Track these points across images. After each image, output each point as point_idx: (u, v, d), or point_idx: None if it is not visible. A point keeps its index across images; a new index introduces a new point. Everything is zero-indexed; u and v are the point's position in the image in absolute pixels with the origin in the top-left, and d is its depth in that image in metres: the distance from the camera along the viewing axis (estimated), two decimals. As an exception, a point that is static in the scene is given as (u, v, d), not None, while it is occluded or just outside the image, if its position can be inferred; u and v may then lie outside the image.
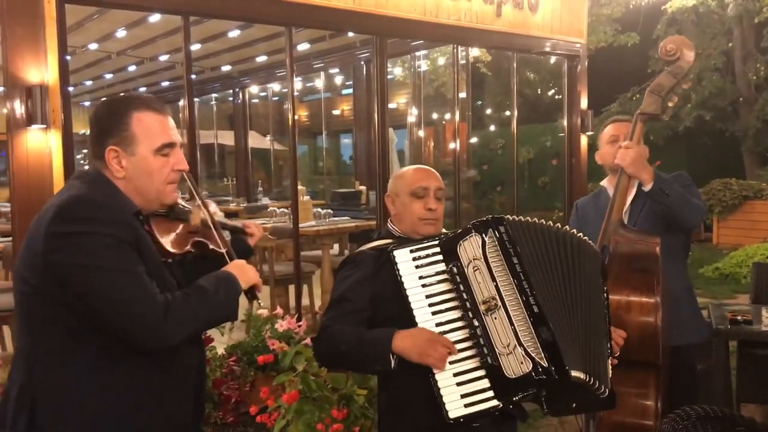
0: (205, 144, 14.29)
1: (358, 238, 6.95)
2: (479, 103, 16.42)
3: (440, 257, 2.01)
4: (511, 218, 2.02)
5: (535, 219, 2.07)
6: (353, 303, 2.07)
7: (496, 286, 1.92)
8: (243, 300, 1.85)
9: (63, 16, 3.60)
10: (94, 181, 1.72)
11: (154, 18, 6.70)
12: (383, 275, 2.05)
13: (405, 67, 11.73)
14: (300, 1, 4.43)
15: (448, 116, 12.59)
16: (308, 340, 3.58)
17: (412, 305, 1.95)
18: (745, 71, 13.23)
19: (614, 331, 2.13)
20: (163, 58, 8.98)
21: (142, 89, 12.02)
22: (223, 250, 1.91)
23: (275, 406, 3.26)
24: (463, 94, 9.24)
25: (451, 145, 6.64)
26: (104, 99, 1.90)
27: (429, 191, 2.17)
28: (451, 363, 1.89)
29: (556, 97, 14.96)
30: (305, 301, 5.72)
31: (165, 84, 11.61)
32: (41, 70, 3.49)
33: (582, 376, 1.84)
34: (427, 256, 2.02)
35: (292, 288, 5.34)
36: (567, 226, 2.17)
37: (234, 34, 7.52)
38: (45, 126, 3.47)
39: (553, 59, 9.44)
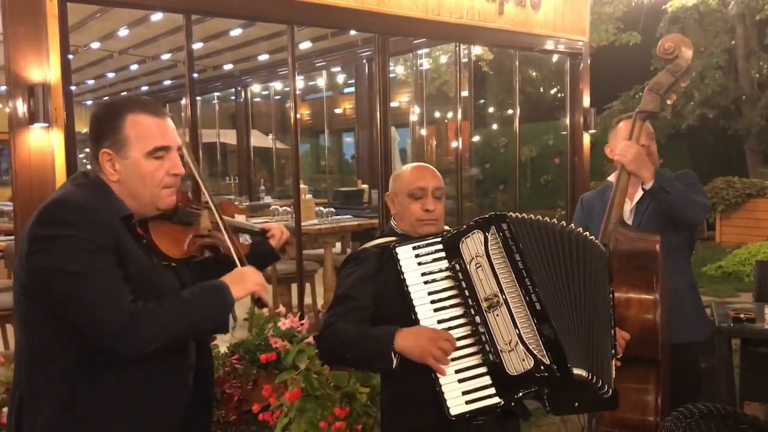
0: (208, 143, 14.32)
1: (360, 237, 6.95)
2: (481, 101, 16.41)
3: (443, 254, 2.00)
4: (514, 215, 2.02)
5: (539, 216, 2.06)
6: (356, 300, 2.07)
7: (498, 283, 1.92)
8: (245, 299, 1.83)
9: (65, 14, 3.60)
10: (86, 183, 1.71)
11: (156, 17, 6.70)
12: (386, 272, 2.05)
13: (407, 66, 11.74)
14: (302, 0, 4.43)
15: (450, 115, 12.59)
16: (311, 339, 3.58)
17: (414, 302, 1.95)
18: (747, 69, 13.21)
19: (618, 333, 2.12)
20: (165, 56, 8.98)
21: (144, 88, 12.03)
22: (235, 255, 1.86)
23: (278, 404, 3.26)
24: (465, 93, 9.22)
25: (454, 144, 6.64)
26: (105, 99, 1.88)
27: (427, 192, 2.15)
28: (452, 360, 1.88)
29: (559, 95, 14.96)
30: (308, 300, 5.71)
31: (167, 83, 11.62)
32: (43, 69, 3.49)
33: (584, 373, 1.84)
34: (430, 253, 2.01)
35: (294, 286, 5.34)
36: (573, 223, 2.17)
37: (236, 32, 7.52)
38: (47, 125, 3.48)
39: (555, 57, 9.43)
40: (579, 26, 6.18)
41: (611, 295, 2.07)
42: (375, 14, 4.76)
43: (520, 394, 1.85)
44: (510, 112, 13.19)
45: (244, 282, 1.77)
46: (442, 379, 1.87)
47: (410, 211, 2.15)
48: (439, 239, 2.03)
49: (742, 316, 3.52)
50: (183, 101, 9.99)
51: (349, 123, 16.37)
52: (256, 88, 12.64)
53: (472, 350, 1.90)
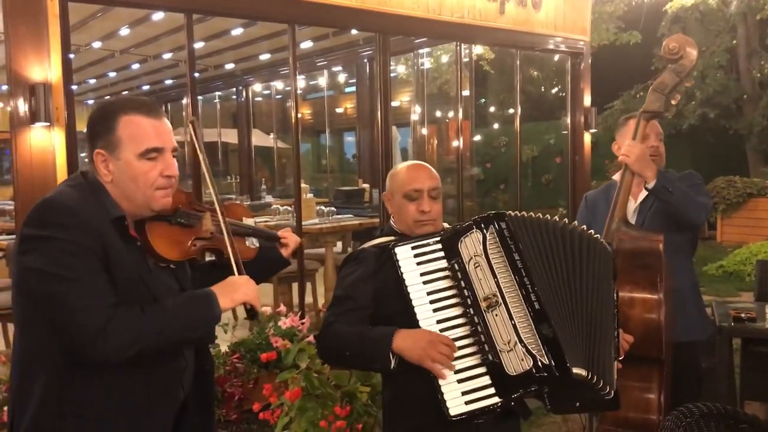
0: (209, 142, 14.32)
1: (361, 236, 6.95)
2: (482, 100, 16.40)
3: (442, 254, 1.99)
4: (513, 214, 2.01)
5: (539, 214, 2.05)
6: (356, 301, 2.06)
7: (497, 283, 1.91)
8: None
9: (66, 14, 3.60)
10: (80, 184, 1.70)
11: (158, 16, 6.70)
12: (385, 272, 2.04)
13: (408, 65, 11.75)
14: (303, -1, 4.43)
15: (451, 114, 12.59)
16: (311, 338, 3.58)
17: (414, 302, 1.94)
18: (749, 68, 13.19)
19: (621, 335, 2.10)
20: (167, 56, 8.99)
21: (146, 87, 12.04)
22: (233, 260, 1.82)
23: (278, 403, 3.26)
24: (466, 92, 9.23)
25: (455, 143, 6.65)
26: (105, 99, 1.89)
27: (422, 192, 2.12)
28: (451, 360, 1.88)
29: (560, 94, 14.94)
30: (308, 299, 5.72)
31: (168, 82, 11.63)
32: (44, 68, 3.49)
33: (584, 372, 1.83)
34: (429, 252, 2.00)
35: (295, 285, 5.35)
36: (576, 221, 2.16)
37: (237, 32, 7.52)
38: (48, 124, 3.48)
39: (556, 57, 9.42)
40: (580, 26, 6.18)
41: (616, 295, 2.06)
42: (376, 14, 4.76)
43: (520, 393, 1.85)
44: (511, 111, 13.16)
45: (234, 292, 1.74)
46: (441, 380, 1.87)
47: (406, 212, 2.14)
48: (438, 238, 2.02)
49: (743, 315, 3.52)
50: (184, 100, 9.99)
51: (350, 122, 16.37)
52: (257, 87, 12.65)
53: (471, 350, 1.89)
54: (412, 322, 1.93)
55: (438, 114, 13.84)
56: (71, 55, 3.75)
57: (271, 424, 3.29)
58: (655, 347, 2.50)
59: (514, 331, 1.86)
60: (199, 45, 7.30)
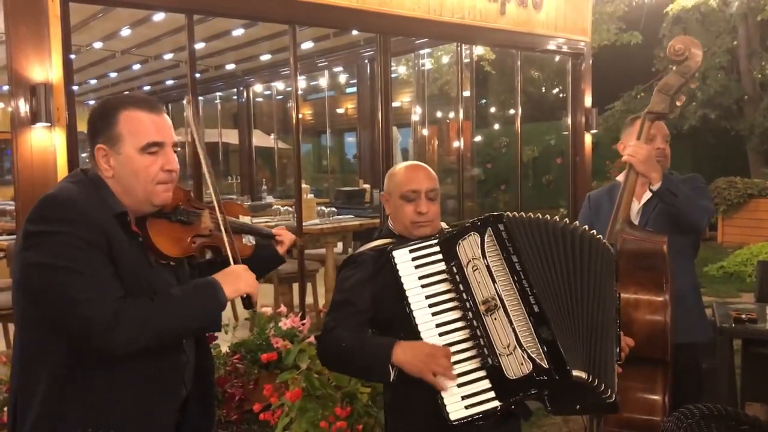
0: (210, 143, 14.33)
1: (361, 237, 6.95)
2: (483, 101, 16.39)
3: (440, 256, 1.98)
4: (512, 215, 1.99)
5: (539, 215, 2.03)
6: (355, 305, 2.05)
7: (495, 286, 1.89)
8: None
9: (67, 14, 3.61)
10: (82, 180, 1.71)
11: (159, 17, 6.70)
12: (383, 275, 2.03)
13: (409, 66, 11.73)
14: (304, 0, 4.43)
15: (452, 115, 12.58)
16: (312, 338, 3.58)
17: (412, 306, 1.93)
18: (750, 69, 13.18)
19: (622, 338, 2.08)
20: (168, 56, 8.99)
21: (147, 88, 12.04)
22: (232, 257, 1.84)
23: (279, 403, 3.27)
24: (467, 93, 9.21)
25: (455, 144, 6.64)
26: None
27: (420, 194, 2.10)
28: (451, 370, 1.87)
29: (561, 95, 14.93)
30: (309, 300, 5.72)
31: (169, 83, 11.63)
32: (45, 69, 3.50)
33: (584, 375, 1.82)
34: (427, 255, 1.99)
35: (296, 286, 5.35)
36: (579, 221, 2.15)
37: (238, 32, 7.52)
38: (49, 124, 3.48)
39: (557, 57, 9.42)
40: (581, 26, 6.18)
41: (618, 297, 2.04)
42: (377, 14, 4.77)
43: (520, 396, 1.85)
44: (512, 112, 13.16)
45: (238, 282, 1.76)
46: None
47: (403, 213, 2.11)
48: (436, 241, 2.00)
49: (743, 316, 3.51)
50: (185, 101, 9.98)
51: (350, 123, 16.36)
52: (258, 87, 12.64)
53: (471, 354, 1.89)
54: (411, 326, 1.92)
55: (439, 114, 13.83)
56: (72, 56, 3.75)
57: (272, 424, 3.29)
58: (660, 349, 2.48)
59: (514, 335, 1.85)
60: (200, 45, 7.30)
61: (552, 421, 3.95)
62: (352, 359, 2.00)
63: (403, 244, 2.01)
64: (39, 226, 1.59)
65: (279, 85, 13.54)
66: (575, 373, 1.81)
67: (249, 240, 2.09)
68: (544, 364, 1.81)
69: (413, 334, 1.92)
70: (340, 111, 17.98)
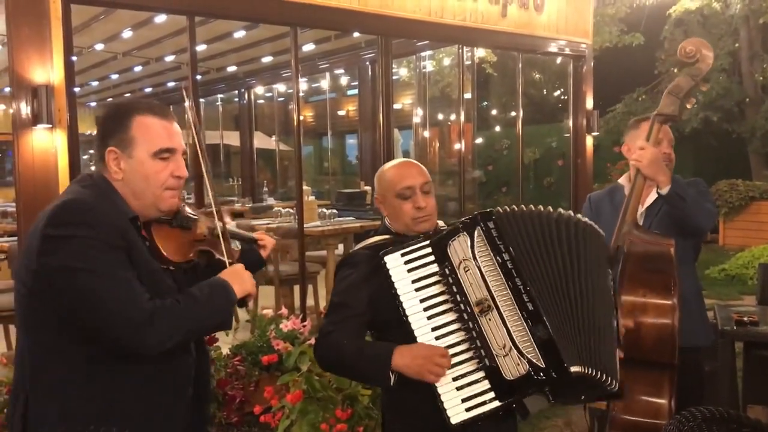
0: (211, 144, 14.34)
1: (362, 239, 6.91)
2: (484, 103, 16.39)
3: (432, 258, 1.96)
4: (502, 210, 1.96)
5: (531, 206, 1.99)
6: (351, 308, 2.04)
7: (487, 287, 1.87)
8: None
9: (69, 16, 3.61)
10: (93, 185, 1.72)
11: (160, 18, 6.72)
12: (379, 276, 2.00)
13: (410, 68, 11.74)
14: (305, 2, 4.43)
15: (453, 117, 12.58)
16: (312, 341, 3.57)
17: (407, 311, 1.92)
18: (751, 72, 13.17)
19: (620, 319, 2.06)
20: (169, 58, 9.01)
21: (148, 90, 12.07)
22: (227, 261, 1.88)
23: (279, 406, 3.26)
24: (468, 95, 9.22)
25: (456, 146, 6.65)
26: (109, 101, 1.91)
27: (415, 189, 2.09)
28: (449, 367, 1.87)
29: (562, 97, 14.94)
30: (310, 301, 5.71)
31: (171, 84, 11.65)
32: (47, 71, 3.50)
33: (584, 370, 1.81)
34: (419, 258, 1.97)
35: (296, 288, 5.34)
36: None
37: (239, 34, 7.54)
38: (51, 126, 3.48)
39: (558, 59, 9.42)
40: (582, 28, 6.18)
41: (612, 281, 2.02)
42: (378, 16, 4.77)
43: (520, 395, 1.84)
44: (513, 114, 13.15)
45: (243, 282, 1.81)
46: (440, 388, 1.86)
47: (403, 211, 2.10)
48: (427, 243, 1.98)
49: (745, 319, 3.50)
50: (186, 103, 9.97)
51: (352, 125, 16.37)
52: (259, 89, 12.67)
53: (468, 356, 1.88)
54: (407, 329, 1.91)
55: (440, 117, 13.83)
56: (74, 58, 3.76)
57: (272, 426, 3.29)
58: (668, 353, 2.45)
59: (508, 336, 1.84)
60: (201, 47, 7.32)
61: (552, 423, 3.95)
62: (350, 365, 2.00)
63: (395, 249, 1.99)
64: (60, 230, 1.59)
65: (280, 87, 13.57)
66: (574, 369, 1.80)
67: (236, 245, 2.12)
68: (541, 364, 1.80)
69: (410, 336, 1.92)
70: (341, 113, 18.00)
